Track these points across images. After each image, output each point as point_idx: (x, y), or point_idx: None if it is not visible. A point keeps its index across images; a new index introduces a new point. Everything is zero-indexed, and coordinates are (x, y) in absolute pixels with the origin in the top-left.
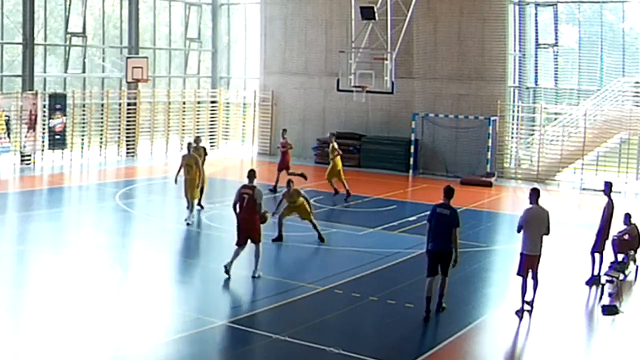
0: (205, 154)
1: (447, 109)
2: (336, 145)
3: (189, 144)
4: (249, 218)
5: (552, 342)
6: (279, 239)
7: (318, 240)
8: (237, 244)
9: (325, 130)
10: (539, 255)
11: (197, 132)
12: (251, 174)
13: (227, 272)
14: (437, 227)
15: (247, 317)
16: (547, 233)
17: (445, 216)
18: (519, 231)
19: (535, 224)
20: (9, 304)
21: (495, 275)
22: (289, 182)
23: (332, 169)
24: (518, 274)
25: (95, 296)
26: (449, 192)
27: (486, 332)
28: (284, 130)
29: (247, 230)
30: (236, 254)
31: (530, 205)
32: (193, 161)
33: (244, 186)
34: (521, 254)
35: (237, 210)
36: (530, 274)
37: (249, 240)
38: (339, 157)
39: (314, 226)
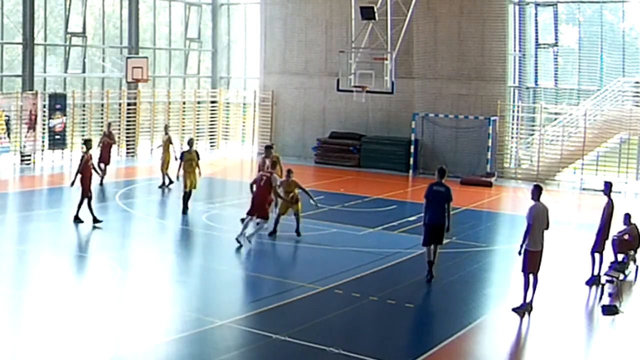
0: (198, 157)
1: (447, 109)
2: (172, 138)
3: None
4: (262, 195)
5: (552, 342)
6: (274, 232)
7: (295, 234)
8: (248, 212)
9: (325, 130)
10: (541, 251)
11: (197, 132)
12: (274, 163)
13: (238, 241)
14: (433, 202)
15: (247, 317)
16: (547, 228)
17: (440, 192)
18: (529, 228)
19: (539, 220)
20: (9, 304)
21: (495, 275)
22: (289, 171)
23: (166, 160)
24: (522, 270)
25: (95, 296)
26: (442, 172)
27: (486, 332)
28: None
29: (259, 206)
30: (246, 225)
31: (534, 202)
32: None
33: (265, 171)
34: (525, 250)
35: (254, 188)
36: (531, 273)
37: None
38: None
39: (298, 219)
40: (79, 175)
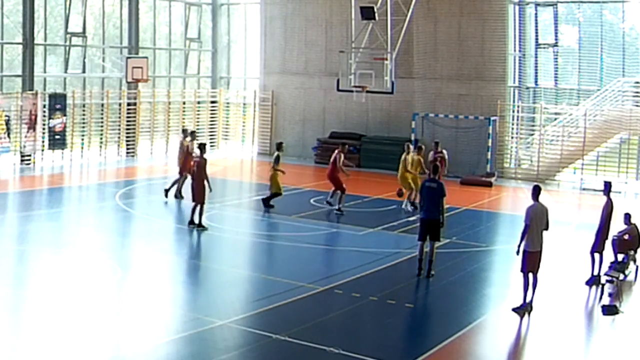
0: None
1: (447, 109)
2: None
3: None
4: (331, 171)
5: (552, 342)
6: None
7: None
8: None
9: (325, 130)
10: (540, 251)
11: (197, 132)
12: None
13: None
14: (427, 198)
15: (247, 317)
16: (547, 228)
17: (433, 189)
18: (526, 229)
19: (537, 221)
20: (9, 304)
21: (495, 275)
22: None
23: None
24: (522, 270)
25: (95, 296)
26: (434, 169)
27: (486, 332)
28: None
29: (330, 180)
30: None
31: (532, 203)
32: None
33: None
34: (524, 251)
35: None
36: (530, 273)
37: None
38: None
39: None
40: (194, 181)
